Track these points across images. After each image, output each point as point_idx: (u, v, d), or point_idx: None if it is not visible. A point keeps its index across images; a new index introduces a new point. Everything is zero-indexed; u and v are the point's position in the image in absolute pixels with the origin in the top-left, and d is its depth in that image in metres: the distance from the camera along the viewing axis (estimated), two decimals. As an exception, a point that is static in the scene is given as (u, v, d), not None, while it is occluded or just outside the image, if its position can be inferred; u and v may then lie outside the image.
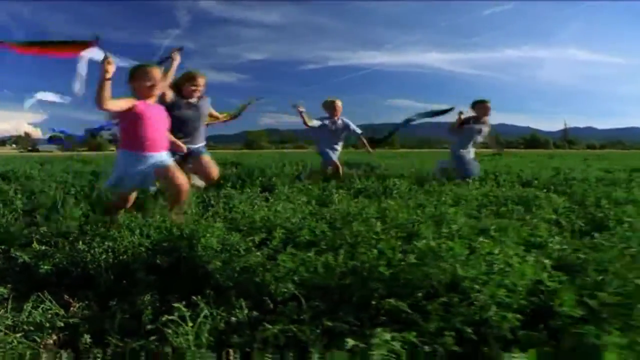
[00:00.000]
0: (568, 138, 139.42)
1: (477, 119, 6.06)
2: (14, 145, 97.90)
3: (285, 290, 1.87)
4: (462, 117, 5.95)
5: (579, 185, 5.49)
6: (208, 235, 2.34)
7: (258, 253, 2.17)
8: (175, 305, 1.63)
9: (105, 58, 2.85)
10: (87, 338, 1.67)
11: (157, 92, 3.36)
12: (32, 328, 1.78)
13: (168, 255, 2.31)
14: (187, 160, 4.30)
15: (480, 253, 1.89)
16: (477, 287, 1.68)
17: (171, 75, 4.14)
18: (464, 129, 6.01)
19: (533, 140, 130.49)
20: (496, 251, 1.89)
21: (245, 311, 1.75)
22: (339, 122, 6.20)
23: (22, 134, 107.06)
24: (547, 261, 1.86)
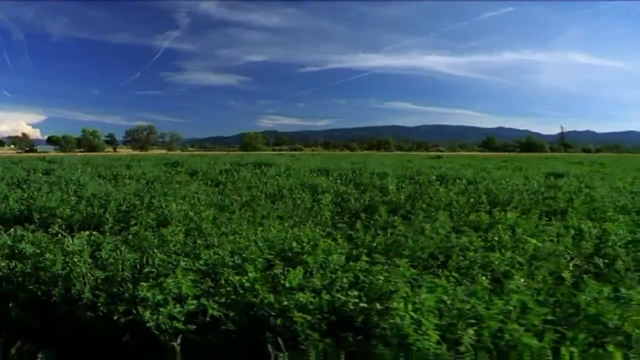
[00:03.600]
0: (565, 142, 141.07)
1: None
2: (12, 146, 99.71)
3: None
4: None
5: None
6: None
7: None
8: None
9: None
10: None
11: None
12: None
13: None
14: None
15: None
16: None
17: None
18: None
19: (529, 143, 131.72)
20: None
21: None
22: None
23: (20, 134, 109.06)
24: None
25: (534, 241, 4.56)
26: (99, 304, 3.18)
